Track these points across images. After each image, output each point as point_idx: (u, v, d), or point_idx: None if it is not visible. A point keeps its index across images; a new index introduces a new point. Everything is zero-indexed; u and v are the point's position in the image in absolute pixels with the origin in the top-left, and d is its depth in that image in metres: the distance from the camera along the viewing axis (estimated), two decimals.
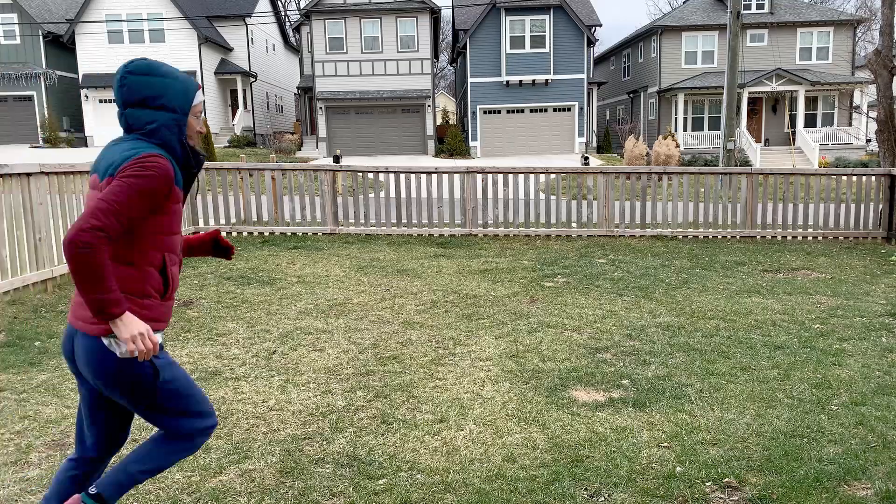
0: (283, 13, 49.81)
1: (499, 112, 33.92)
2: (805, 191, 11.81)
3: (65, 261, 7.46)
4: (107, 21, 33.05)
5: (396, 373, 4.97)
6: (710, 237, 11.85)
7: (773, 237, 11.89)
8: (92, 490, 2.53)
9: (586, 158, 28.46)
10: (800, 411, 4.30)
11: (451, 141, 32.66)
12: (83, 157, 27.18)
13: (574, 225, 11.85)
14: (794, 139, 33.47)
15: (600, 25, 35.66)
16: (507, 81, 33.08)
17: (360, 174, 11.99)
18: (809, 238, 11.92)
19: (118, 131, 33.10)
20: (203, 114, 2.69)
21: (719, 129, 31.38)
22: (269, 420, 4.14)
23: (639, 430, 3.99)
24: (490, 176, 11.73)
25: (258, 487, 3.34)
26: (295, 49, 47.05)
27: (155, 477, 3.42)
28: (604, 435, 3.93)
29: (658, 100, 35.80)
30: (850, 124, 34.66)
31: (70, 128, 34.93)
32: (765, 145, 33.57)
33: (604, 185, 11.71)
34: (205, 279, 8.08)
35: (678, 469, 3.52)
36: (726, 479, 3.41)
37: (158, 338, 2.49)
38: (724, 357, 5.37)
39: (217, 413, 4.23)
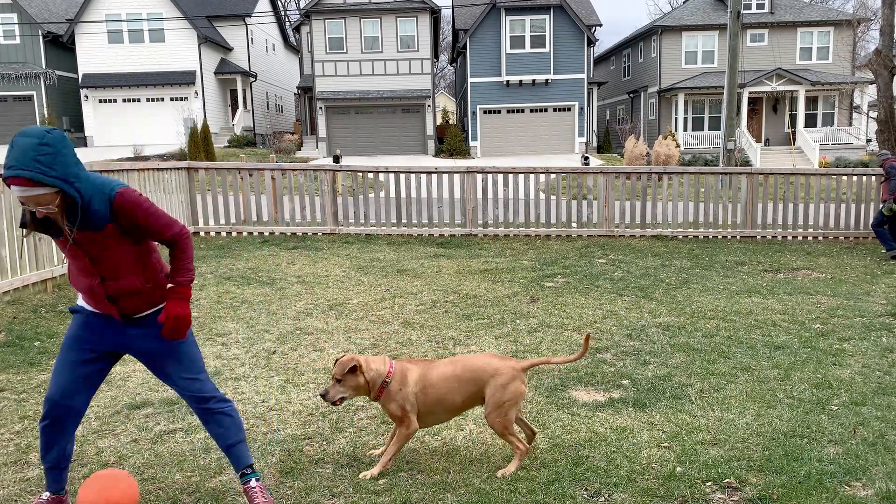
0: (283, 13, 49.81)
1: (499, 112, 33.90)
2: (805, 191, 11.81)
3: (64, 261, 7.49)
4: (107, 21, 33.03)
5: None
6: (711, 237, 11.85)
7: (773, 237, 11.89)
8: None
9: (586, 158, 28.45)
10: (800, 411, 4.30)
11: (451, 141, 32.64)
12: (82, 157, 27.14)
13: (574, 225, 11.85)
14: (794, 139, 33.47)
15: (600, 25, 35.66)
16: (507, 81, 33.07)
17: (360, 174, 11.99)
18: (810, 238, 11.92)
19: (118, 131, 33.17)
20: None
21: (719, 129, 31.39)
22: (269, 420, 4.14)
23: (639, 431, 3.99)
24: (490, 176, 11.73)
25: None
26: (295, 49, 47.03)
27: (154, 477, 3.43)
28: (604, 435, 3.92)
29: (658, 100, 35.79)
30: (850, 124, 34.65)
31: (70, 128, 34.90)
32: (765, 145, 33.57)
33: (604, 185, 11.71)
34: (205, 279, 8.07)
35: (678, 469, 3.52)
36: (726, 480, 3.41)
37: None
38: (724, 357, 5.37)
39: None
